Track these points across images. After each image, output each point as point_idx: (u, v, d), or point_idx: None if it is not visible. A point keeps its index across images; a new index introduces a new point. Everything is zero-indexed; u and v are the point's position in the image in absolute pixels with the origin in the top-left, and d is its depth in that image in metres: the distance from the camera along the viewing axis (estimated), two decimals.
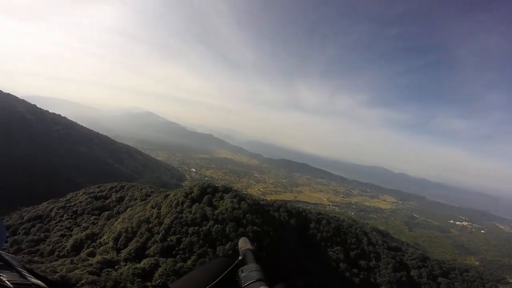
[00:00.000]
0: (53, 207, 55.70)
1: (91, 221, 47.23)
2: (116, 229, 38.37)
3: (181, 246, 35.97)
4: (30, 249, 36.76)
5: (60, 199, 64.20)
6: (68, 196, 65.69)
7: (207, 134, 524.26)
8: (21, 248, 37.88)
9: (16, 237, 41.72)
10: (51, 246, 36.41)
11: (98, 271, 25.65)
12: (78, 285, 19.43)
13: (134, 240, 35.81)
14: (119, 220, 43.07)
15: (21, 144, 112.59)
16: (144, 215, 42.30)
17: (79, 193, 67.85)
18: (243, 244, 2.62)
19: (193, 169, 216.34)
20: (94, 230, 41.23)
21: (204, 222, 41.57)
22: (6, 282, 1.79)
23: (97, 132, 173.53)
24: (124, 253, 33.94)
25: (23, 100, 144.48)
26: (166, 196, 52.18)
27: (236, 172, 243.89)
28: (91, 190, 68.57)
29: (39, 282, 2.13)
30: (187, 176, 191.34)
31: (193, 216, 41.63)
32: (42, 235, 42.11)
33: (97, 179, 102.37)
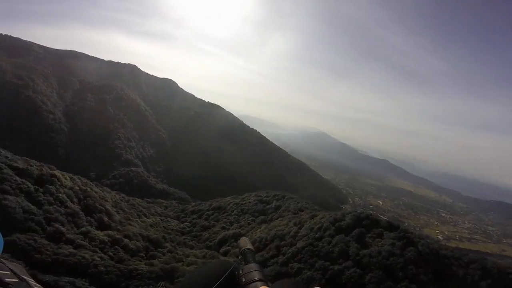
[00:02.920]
0: (231, 202, 64.79)
1: (248, 221, 50.79)
2: (255, 235, 38.58)
3: (297, 279, 29.88)
4: (197, 232, 43.77)
5: (239, 196, 74.15)
6: (244, 195, 74.72)
7: (381, 160, 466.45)
8: (192, 230, 45.68)
9: (197, 220, 51.05)
10: (208, 235, 41.64)
11: None
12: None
13: (261, 253, 34.08)
14: (262, 227, 43.55)
15: (229, 151, 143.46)
16: (283, 230, 40.25)
17: (252, 194, 75.54)
18: (243, 243, 2.40)
19: (373, 198, 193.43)
20: (242, 231, 43.72)
21: (340, 259, 33.05)
22: None
23: (278, 146, 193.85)
24: None
25: (236, 117, 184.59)
26: (313, 217, 47.12)
27: (412, 207, 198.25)
28: (260, 194, 74.72)
29: None
30: (349, 199, 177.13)
31: (330, 249, 34.65)
32: (212, 222, 49.42)
33: (270, 185, 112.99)
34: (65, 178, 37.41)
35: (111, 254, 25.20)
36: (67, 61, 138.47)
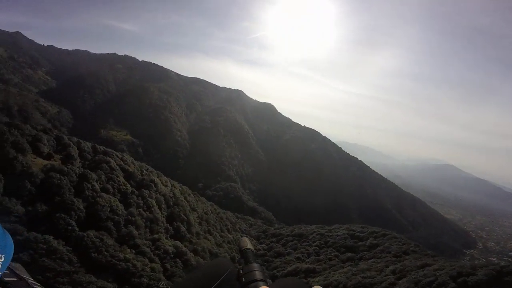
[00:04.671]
0: (315, 231, 58.48)
1: (329, 257, 43.25)
2: (332, 277, 31.23)
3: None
4: (269, 257, 39.92)
5: (326, 227, 66.46)
6: (333, 226, 66.52)
7: None
8: (266, 254, 42.17)
9: (274, 244, 47.39)
10: (279, 263, 36.98)
11: None
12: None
13: None
14: (345, 268, 35.25)
15: (324, 178, 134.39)
16: (374, 277, 31.22)
17: (343, 227, 66.51)
18: (244, 243, 2.26)
19: None
20: (318, 267, 36.77)
21: None
22: None
23: (385, 178, 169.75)
24: None
25: (334, 143, 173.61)
26: (424, 266, 35.42)
27: None
28: (352, 228, 64.75)
29: None
30: (479, 244, 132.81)
31: None
32: (288, 250, 44.61)
33: (369, 220, 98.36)
34: (165, 185, 42.27)
35: (168, 266, 25.01)
36: (192, 86, 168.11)
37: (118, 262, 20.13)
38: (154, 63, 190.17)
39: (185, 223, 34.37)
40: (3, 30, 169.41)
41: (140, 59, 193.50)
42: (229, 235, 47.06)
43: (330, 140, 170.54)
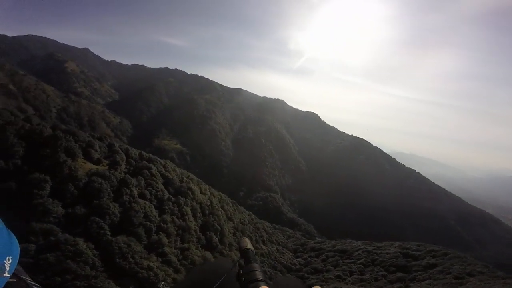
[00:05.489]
0: (361, 248, 53.20)
1: (375, 276, 38.00)
2: None
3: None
4: (304, 273, 36.71)
5: (374, 243, 60.14)
6: (383, 243, 59.85)
7: None
8: (301, 269, 39.03)
9: (313, 259, 43.81)
10: (315, 281, 33.38)
11: None
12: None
13: None
14: None
15: (374, 191, 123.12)
16: None
17: (395, 244, 59.35)
18: (244, 243, 2.25)
19: None
20: (360, 286, 32.20)
21: None
22: None
23: (448, 191, 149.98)
24: None
25: (386, 154, 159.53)
26: None
27: None
28: (407, 246, 57.28)
29: None
30: None
31: None
32: (327, 267, 40.69)
33: (427, 238, 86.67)
34: (203, 193, 42.54)
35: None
36: (235, 97, 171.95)
37: (140, 270, 20.06)
38: (200, 76, 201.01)
39: (218, 233, 33.72)
40: (75, 47, 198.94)
41: (188, 73, 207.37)
42: (263, 247, 45.07)
43: (382, 151, 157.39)
